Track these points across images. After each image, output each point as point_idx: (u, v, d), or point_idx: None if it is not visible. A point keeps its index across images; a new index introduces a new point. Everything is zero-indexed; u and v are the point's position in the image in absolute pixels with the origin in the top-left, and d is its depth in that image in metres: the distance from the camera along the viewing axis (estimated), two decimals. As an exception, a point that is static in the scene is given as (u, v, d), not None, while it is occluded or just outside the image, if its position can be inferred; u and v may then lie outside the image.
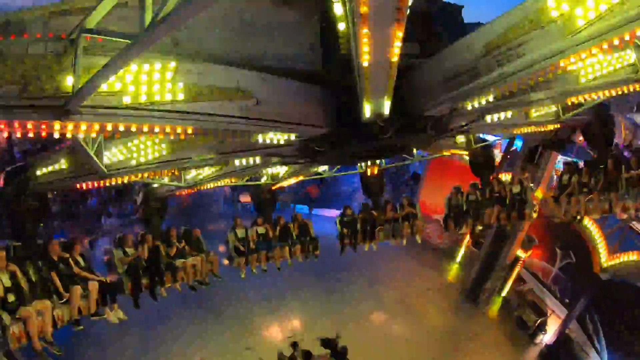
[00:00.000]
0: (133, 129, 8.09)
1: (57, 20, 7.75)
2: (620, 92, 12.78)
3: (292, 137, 11.07)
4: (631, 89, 12.61)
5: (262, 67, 9.79)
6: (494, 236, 25.83)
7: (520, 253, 26.20)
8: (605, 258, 22.28)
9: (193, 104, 8.61)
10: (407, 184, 38.52)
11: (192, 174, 15.42)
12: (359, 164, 18.23)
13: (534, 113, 15.30)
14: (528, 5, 8.77)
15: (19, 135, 7.60)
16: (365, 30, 6.74)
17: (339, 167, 19.93)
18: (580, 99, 13.13)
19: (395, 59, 7.80)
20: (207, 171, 15.37)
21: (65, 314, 11.24)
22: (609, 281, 21.90)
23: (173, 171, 13.21)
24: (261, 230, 17.27)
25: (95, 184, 12.12)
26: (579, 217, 16.81)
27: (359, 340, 22.75)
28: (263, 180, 18.43)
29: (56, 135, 7.65)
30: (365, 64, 7.80)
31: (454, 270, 30.93)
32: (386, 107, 10.03)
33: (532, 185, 19.24)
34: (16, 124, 7.26)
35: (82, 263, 12.12)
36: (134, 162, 11.70)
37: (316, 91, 10.72)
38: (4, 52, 7.00)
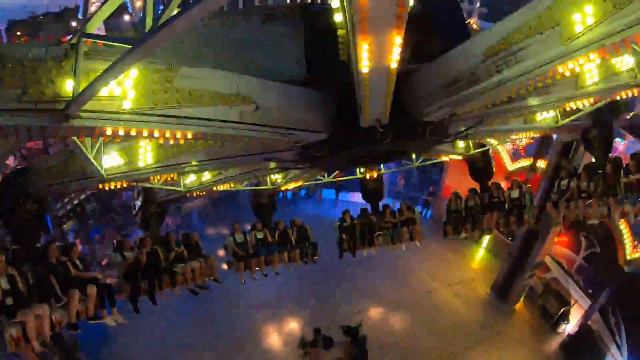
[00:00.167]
0: (133, 133, 8.10)
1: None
2: (619, 97, 12.81)
3: (291, 142, 11.09)
4: (629, 94, 12.64)
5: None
6: (526, 232, 24.73)
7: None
8: (630, 250, 21.44)
9: (193, 109, 8.63)
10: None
11: (191, 179, 15.44)
12: (358, 169, 18.26)
13: (532, 118, 15.34)
14: (527, 11, 8.81)
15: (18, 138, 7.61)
16: (364, 37, 6.76)
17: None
18: (579, 104, 13.15)
19: (394, 65, 7.82)
20: (206, 176, 15.40)
21: (64, 318, 11.23)
22: (632, 274, 21.30)
23: (172, 176, 13.20)
24: (260, 235, 17.27)
25: (95, 189, 12.10)
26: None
27: (380, 332, 23.34)
28: (262, 185, 18.46)
29: (56, 140, 7.67)
30: (364, 70, 7.82)
31: (481, 257, 30.45)
32: (385, 112, 10.05)
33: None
34: (16, 128, 7.26)
35: (80, 267, 12.10)
36: (133, 167, 11.71)
37: (316, 97, 10.74)
38: (4, 55, 7.01)
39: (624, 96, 12.79)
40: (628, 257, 21.22)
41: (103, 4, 7.08)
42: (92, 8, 7.21)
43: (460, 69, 9.91)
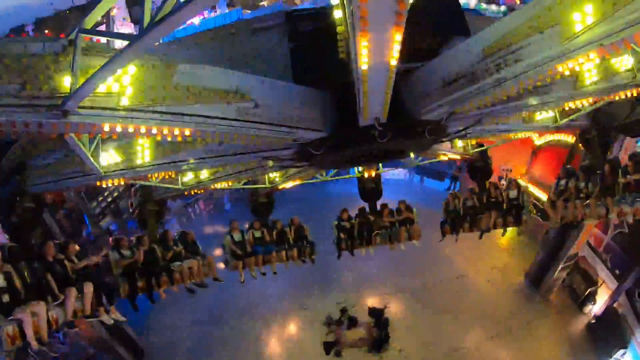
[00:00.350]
0: (130, 130, 8.06)
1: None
2: (617, 98, 12.81)
3: (290, 140, 11.06)
4: (629, 95, 12.63)
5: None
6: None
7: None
8: (658, 231, 20.58)
9: (191, 106, 8.60)
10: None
11: (189, 177, 15.41)
12: (356, 168, 18.24)
13: (531, 118, 15.34)
14: (527, 11, 8.80)
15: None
16: (364, 34, 6.74)
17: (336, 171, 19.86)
18: (578, 104, 13.14)
19: (394, 62, 7.79)
20: (204, 174, 15.37)
21: (60, 316, 11.21)
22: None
23: (170, 174, 13.17)
24: (258, 233, 17.25)
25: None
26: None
27: (405, 315, 23.26)
28: (261, 183, 18.44)
29: (53, 136, 7.63)
30: (364, 67, 7.79)
31: (518, 242, 29.01)
32: (384, 111, 10.03)
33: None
34: (13, 123, 7.22)
35: (77, 262, 12.07)
36: (131, 164, 11.68)
37: (314, 95, 10.73)
38: (2, 51, 6.99)
39: (623, 96, 12.78)
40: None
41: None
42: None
43: (460, 67, 9.90)
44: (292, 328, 23.49)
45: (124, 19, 48.41)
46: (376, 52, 7.32)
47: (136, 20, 48.37)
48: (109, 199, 28.85)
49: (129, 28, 47.38)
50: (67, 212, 22.30)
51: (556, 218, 16.52)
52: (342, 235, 18.10)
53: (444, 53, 10.42)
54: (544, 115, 15.52)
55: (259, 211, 18.84)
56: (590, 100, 12.88)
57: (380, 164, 18.20)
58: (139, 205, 16.28)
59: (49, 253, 11.54)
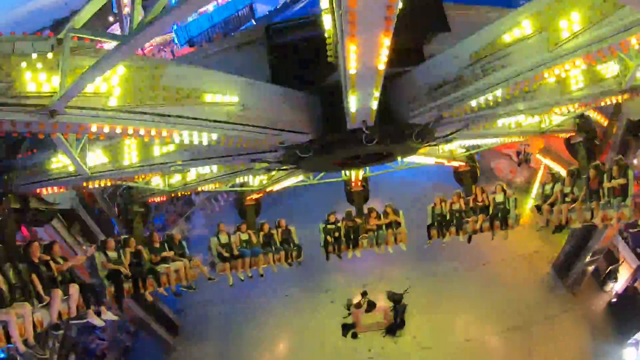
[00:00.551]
0: (118, 130, 8.05)
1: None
2: (603, 104, 12.93)
3: (277, 143, 11.09)
4: (614, 101, 12.76)
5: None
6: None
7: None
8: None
9: (179, 107, 8.60)
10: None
11: (176, 178, 15.37)
12: (343, 172, 18.27)
13: (518, 123, 15.44)
14: (514, 17, 8.88)
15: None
16: (352, 38, 6.77)
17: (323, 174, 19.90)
18: (564, 109, 13.24)
19: (382, 66, 7.83)
20: (191, 176, 15.34)
21: (45, 318, 11.09)
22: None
23: (157, 175, 13.15)
24: (244, 236, 17.20)
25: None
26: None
27: (423, 302, 23.03)
28: (248, 186, 18.44)
29: (40, 135, 7.60)
30: (352, 71, 7.83)
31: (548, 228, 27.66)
32: (372, 114, 10.07)
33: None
34: (0, 123, 7.18)
35: (62, 263, 11.96)
36: (118, 165, 11.64)
37: (302, 98, 10.76)
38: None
39: (609, 102, 12.91)
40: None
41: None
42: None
43: (447, 72, 9.99)
44: (314, 309, 23.96)
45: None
46: (365, 56, 7.35)
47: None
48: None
49: None
50: (99, 212, 22.69)
51: (542, 222, 16.63)
52: (329, 239, 18.14)
53: (433, 58, 10.50)
54: (530, 121, 15.62)
55: (245, 214, 18.84)
56: (576, 106, 12.99)
57: (367, 168, 18.25)
58: (124, 206, 16.22)
59: (34, 254, 11.43)
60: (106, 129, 7.91)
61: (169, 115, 8.45)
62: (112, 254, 13.99)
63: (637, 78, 11.98)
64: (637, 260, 21.83)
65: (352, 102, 9.25)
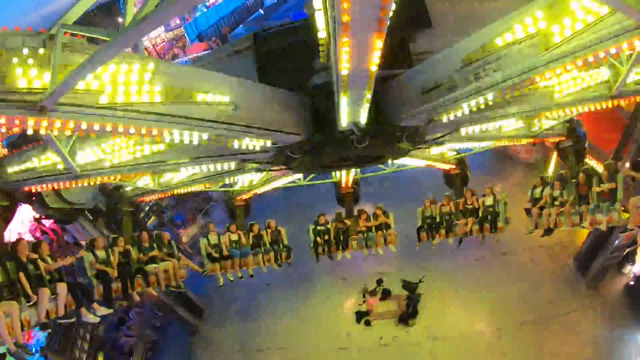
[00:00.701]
0: (108, 128, 7.99)
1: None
2: (593, 109, 12.99)
3: (268, 143, 11.07)
4: (604, 106, 12.83)
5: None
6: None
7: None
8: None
9: (170, 106, 8.56)
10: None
11: (166, 178, 15.31)
12: (333, 173, 18.28)
13: (508, 127, 15.50)
14: (507, 21, 8.90)
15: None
16: (345, 39, 6.76)
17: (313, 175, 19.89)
18: (554, 114, 13.30)
19: (374, 68, 7.83)
20: (182, 175, 15.28)
21: (33, 317, 11.01)
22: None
23: (147, 174, 13.09)
24: (234, 237, 17.21)
25: (68, 185, 11.90)
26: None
27: (438, 292, 23.24)
28: (238, 186, 18.40)
29: (30, 132, 7.54)
30: (344, 72, 7.82)
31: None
32: (363, 116, 10.08)
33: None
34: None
35: (50, 262, 11.89)
36: (108, 164, 11.58)
37: (294, 99, 10.76)
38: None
39: (599, 107, 12.98)
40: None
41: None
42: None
43: (439, 75, 9.99)
44: (330, 295, 24.80)
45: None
46: (357, 57, 7.35)
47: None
48: (152, 202, 30.10)
49: None
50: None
51: (531, 225, 16.73)
52: (318, 240, 18.17)
53: (425, 61, 10.51)
54: (520, 125, 15.70)
55: (235, 214, 18.82)
56: (567, 110, 13.05)
57: (358, 169, 18.27)
58: (111, 205, 16.14)
59: (22, 252, 11.36)
60: (96, 127, 7.86)
61: (159, 114, 8.40)
62: (101, 254, 13.95)
63: (627, 83, 12.06)
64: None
65: (344, 104, 9.25)
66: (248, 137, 10.26)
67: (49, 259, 11.95)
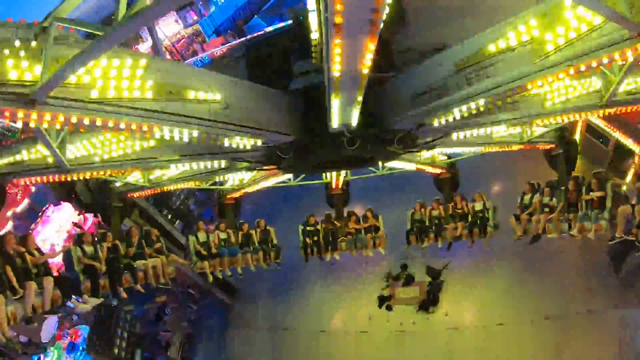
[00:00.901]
0: (98, 123, 7.97)
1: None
2: (584, 117, 13.04)
3: (259, 142, 11.07)
4: (595, 115, 12.88)
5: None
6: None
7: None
8: None
9: (161, 103, 8.54)
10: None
11: (156, 174, 15.27)
12: (324, 174, 18.28)
13: (499, 133, 15.54)
14: (500, 28, 8.94)
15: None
16: (338, 41, 6.77)
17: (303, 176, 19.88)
18: (546, 121, 13.35)
19: (366, 70, 7.85)
20: (172, 172, 15.24)
21: (19, 311, 10.94)
22: None
23: (137, 170, 13.05)
24: (223, 235, 17.14)
25: (57, 178, 11.84)
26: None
27: (465, 278, 23.07)
28: (228, 185, 18.36)
29: (19, 124, 7.50)
30: (336, 73, 7.83)
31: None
32: (354, 118, 10.09)
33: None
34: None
35: (37, 256, 11.81)
36: (97, 159, 11.54)
37: (286, 99, 10.77)
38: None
39: (590, 116, 13.04)
40: None
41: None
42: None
43: (432, 80, 10.05)
44: (355, 279, 25.12)
45: (166, 11, 47.66)
46: (349, 59, 7.36)
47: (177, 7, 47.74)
48: (178, 203, 31.75)
49: (172, 16, 46.95)
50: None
51: (519, 232, 16.76)
52: (308, 241, 18.14)
53: (419, 66, 10.55)
54: (512, 132, 15.74)
55: (224, 213, 18.78)
56: (558, 118, 13.10)
57: (348, 171, 18.28)
58: (99, 200, 16.06)
59: (9, 245, 11.28)
60: (86, 121, 7.84)
61: (150, 110, 8.38)
62: (89, 248, 13.83)
63: (618, 93, 12.12)
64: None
65: (335, 105, 9.26)
66: (238, 135, 10.26)
67: (36, 252, 11.86)
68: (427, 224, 18.17)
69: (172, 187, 16.18)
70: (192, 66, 9.27)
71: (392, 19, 11.62)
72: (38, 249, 12.03)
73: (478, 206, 17.63)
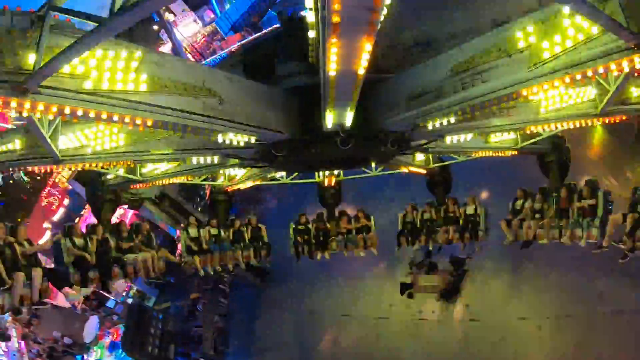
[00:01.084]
0: (92, 114, 7.92)
1: None
2: (578, 125, 13.07)
3: (252, 139, 11.05)
4: (589, 123, 12.92)
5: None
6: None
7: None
8: None
9: (156, 96, 8.50)
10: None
11: (148, 168, 15.21)
12: (316, 173, 18.27)
13: (493, 138, 15.55)
14: (498, 33, 8.97)
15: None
16: (334, 40, 6.76)
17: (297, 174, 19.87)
18: (539, 128, 13.37)
19: (361, 70, 7.85)
20: (164, 166, 15.19)
21: (7, 302, 10.89)
22: None
23: (129, 163, 12.98)
24: (214, 231, 17.13)
25: (48, 169, 11.77)
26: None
27: (488, 270, 22.93)
28: (220, 181, 18.33)
29: (12, 113, 7.46)
30: (331, 73, 7.82)
31: None
32: (349, 118, 10.09)
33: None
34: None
35: (27, 247, 11.76)
36: (90, 150, 11.46)
37: (281, 97, 10.75)
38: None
39: (584, 125, 13.07)
40: None
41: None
42: None
43: (427, 83, 10.07)
44: (379, 265, 26.13)
45: (183, 10, 47.64)
46: (345, 59, 7.35)
47: (194, 6, 48.43)
48: (204, 201, 32.45)
49: (190, 16, 47.11)
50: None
51: (510, 237, 16.79)
52: (299, 239, 18.14)
53: (414, 68, 10.56)
54: (505, 137, 15.76)
55: (216, 209, 18.76)
56: (552, 126, 13.12)
57: (341, 171, 18.27)
58: (92, 192, 16.00)
59: (-1, 236, 11.22)
60: (80, 112, 7.78)
61: (144, 103, 8.35)
62: (79, 241, 13.78)
63: (614, 101, 12.14)
64: None
65: (330, 105, 9.25)
66: (232, 131, 10.23)
67: (26, 243, 11.82)
68: (418, 226, 18.19)
69: (164, 182, 16.03)
70: (187, 60, 9.19)
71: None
72: (28, 240, 11.98)
73: (470, 210, 17.66)
